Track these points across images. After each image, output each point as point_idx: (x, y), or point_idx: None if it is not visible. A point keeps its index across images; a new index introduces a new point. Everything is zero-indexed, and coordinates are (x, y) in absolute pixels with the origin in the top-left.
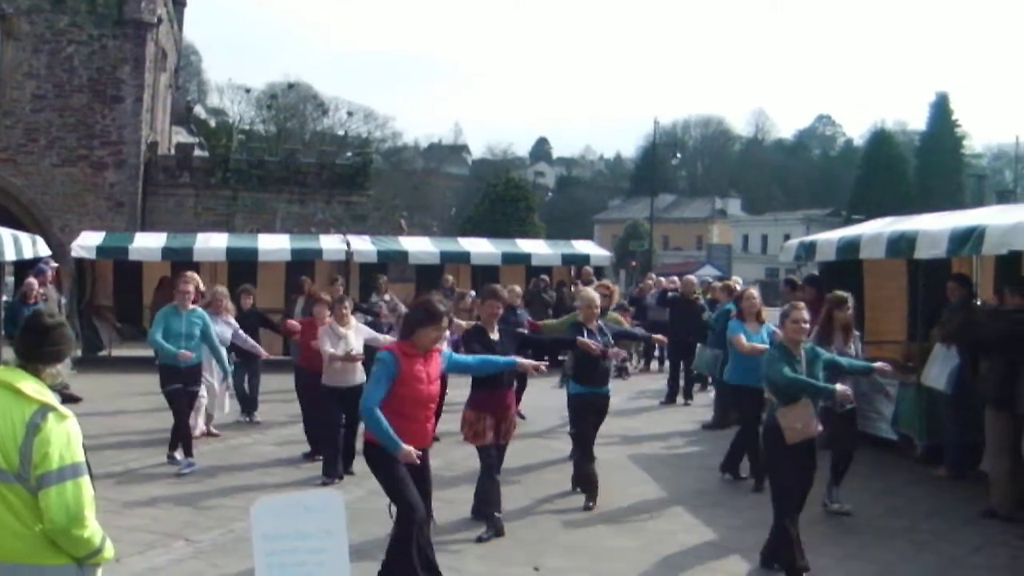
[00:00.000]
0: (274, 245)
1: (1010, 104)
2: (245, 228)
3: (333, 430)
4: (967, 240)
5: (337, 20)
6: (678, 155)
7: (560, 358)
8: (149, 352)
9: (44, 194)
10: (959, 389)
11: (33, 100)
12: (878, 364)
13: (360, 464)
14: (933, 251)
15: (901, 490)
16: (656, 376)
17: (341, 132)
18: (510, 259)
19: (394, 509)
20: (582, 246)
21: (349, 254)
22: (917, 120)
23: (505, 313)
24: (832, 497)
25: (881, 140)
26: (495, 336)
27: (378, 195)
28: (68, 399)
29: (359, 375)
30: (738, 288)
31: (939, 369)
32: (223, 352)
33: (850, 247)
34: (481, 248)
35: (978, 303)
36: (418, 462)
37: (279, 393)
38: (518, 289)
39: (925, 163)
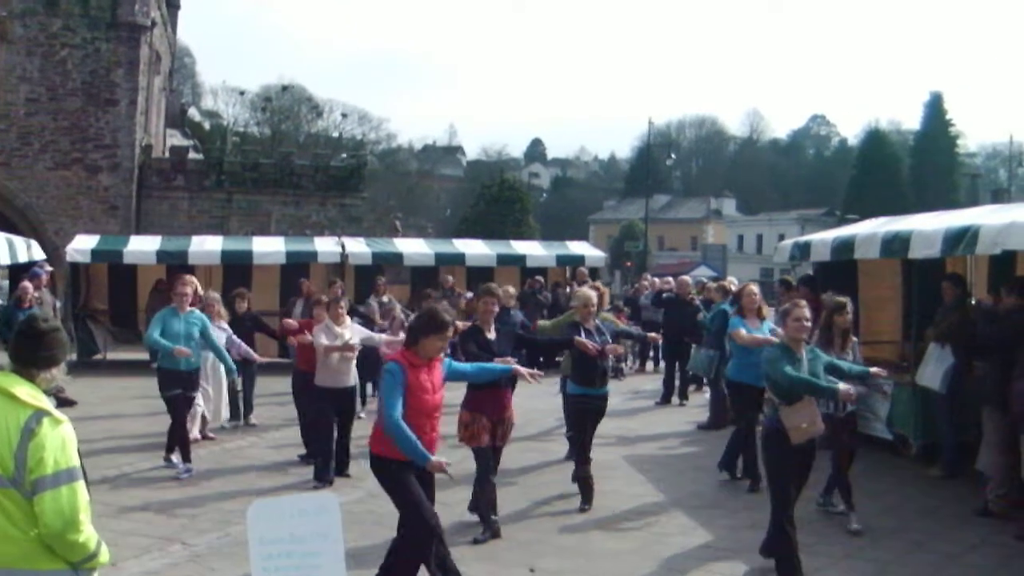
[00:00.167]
0: (269, 248)
1: (1004, 103)
2: (240, 231)
3: (325, 435)
4: (961, 240)
5: (331, 22)
6: (673, 155)
7: (557, 359)
8: (144, 355)
9: (38, 198)
10: (953, 389)
11: (27, 104)
12: (874, 369)
13: (356, 467)
14: (927, 251)
15: (896, 489)
16: (652, 376)
17: (336, 134)
18: (505, 260)
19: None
20: (577, 247)
21: (344, 256)
22: (911, 120)
23: (500, 314)
24: (826, 501)
25: (875, 140)
26: (491, 335)
27: (373, 197)
28: (63, 403)
29: (352, 377)
30: (733, 288)
31: (933, 369)
32: (224, 351)
33: (844, 247)
34: (476, 249)
35: (973, 302)
36: (449, 472)
37: (275, 396)
38: (512, 290)
39: (919, 163)
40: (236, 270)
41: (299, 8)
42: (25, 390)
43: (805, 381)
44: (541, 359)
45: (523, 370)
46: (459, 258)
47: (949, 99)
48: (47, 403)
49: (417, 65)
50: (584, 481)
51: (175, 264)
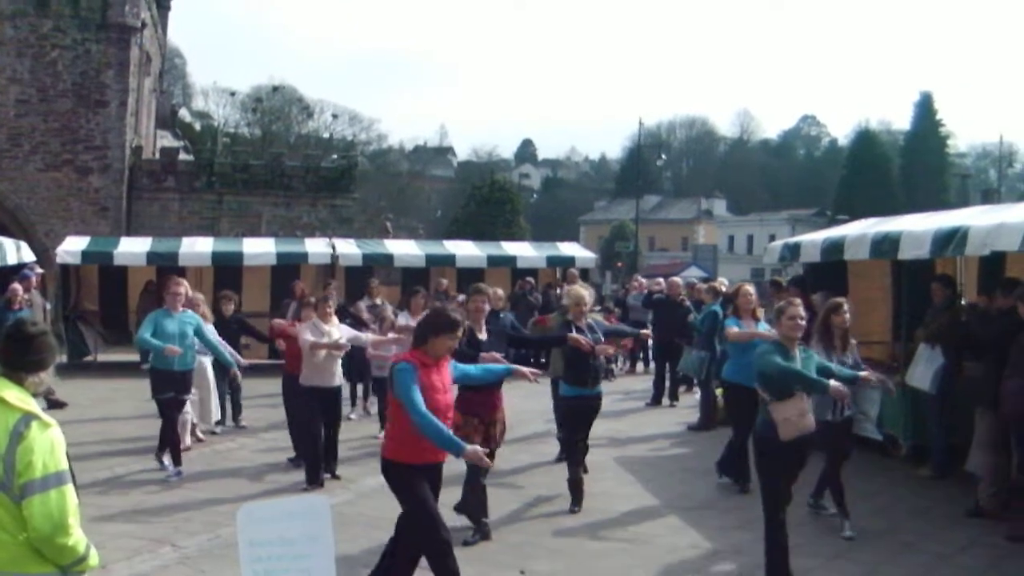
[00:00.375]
0: (259, 249)
1: (994, 103)
2: (230, 232)
3: (314, 437)
4: (950, 241)
5: (322, 23)
6: (663, 156)
7: (542, 360)
8: (135, 357)
9: (28, 199)
10: (944, 389)
11: (17, 105)
12: (863, 373)
13: (346, 468)
14: (917, 252)
15: (886, 490)
16: (642, 377)
17: (326, 135)
18: (495, 261)
19: None
20: (567, 248)
21: (334, 257)
22: (901, 120)
23: (490, 316)
24: (817, 503)
25: (865, 140)
26: (483, 336)
27: (363, 198)
28: (54, 405)
29: (337, 377)
30: (724, 288)
31: (923, 369)
32: (220, 346)
33: (834, 248)
34: (466, 251)
35: (965, 304)
36: (488, 462)
37: (265, 398)
38: (501, 292)
39: (909, 163)
40: (227, 271)
41: (290, 9)
42: (13, 394)
43: (796, 372)
44: (532, 360)
45: (524, 369)
46: (449, 259)
47: (939, 99)
48: (36, 407)
49: (408, 66)
50: (574, 483)
51: (166, 265)
